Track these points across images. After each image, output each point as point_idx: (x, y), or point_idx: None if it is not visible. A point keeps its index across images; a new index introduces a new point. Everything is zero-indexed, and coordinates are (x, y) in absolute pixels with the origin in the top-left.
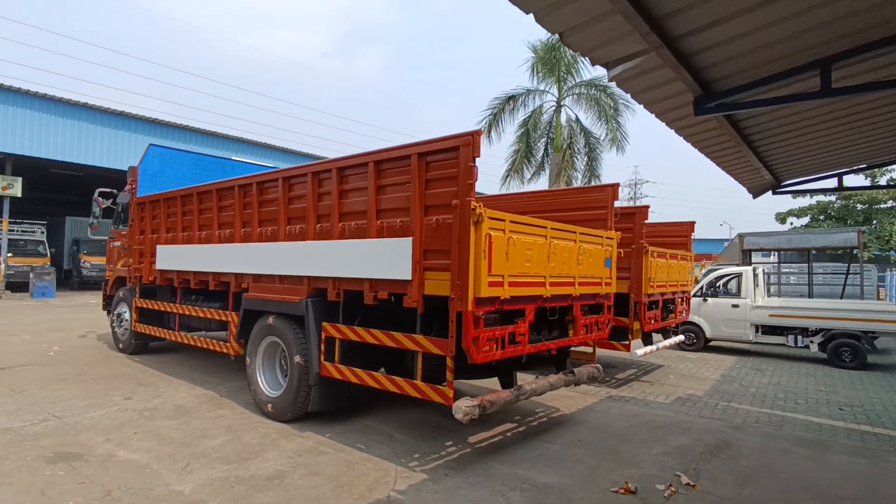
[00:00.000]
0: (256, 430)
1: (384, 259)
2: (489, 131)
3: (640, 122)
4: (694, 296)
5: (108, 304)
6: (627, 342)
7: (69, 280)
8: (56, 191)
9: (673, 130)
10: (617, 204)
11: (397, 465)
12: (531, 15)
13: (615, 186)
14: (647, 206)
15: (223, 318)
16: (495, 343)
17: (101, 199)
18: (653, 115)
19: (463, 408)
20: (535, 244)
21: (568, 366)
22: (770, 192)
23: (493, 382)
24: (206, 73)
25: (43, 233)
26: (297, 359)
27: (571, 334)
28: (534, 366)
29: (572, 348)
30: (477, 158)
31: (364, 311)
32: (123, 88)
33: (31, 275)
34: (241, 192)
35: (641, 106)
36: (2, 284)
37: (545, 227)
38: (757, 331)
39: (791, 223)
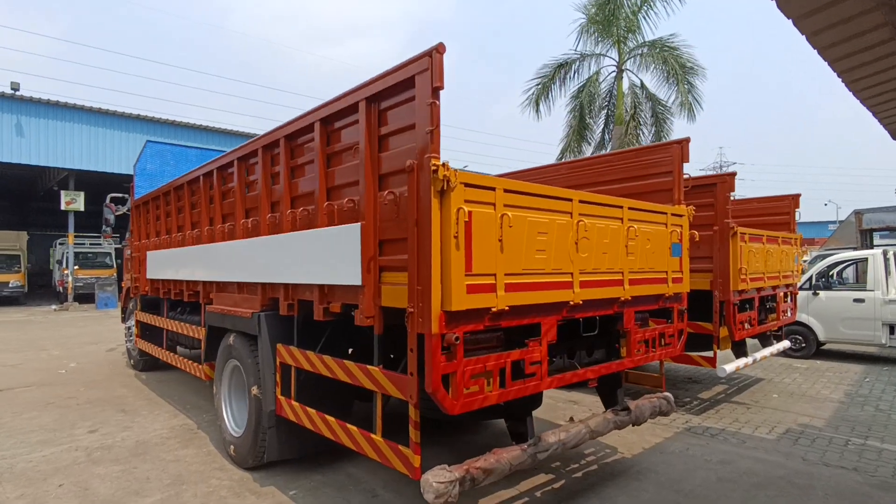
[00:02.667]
0: (207, 482)
1: (329, 255)
2: (537, 104)
3: (719, 96)
4: (801, 289)
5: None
6: (712, 355)
7: None
8: None
9: None
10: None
11: None
12: None
13: (684, 143)
14: (734, 174)
15: (196, 336)
16: (487, 380)
17: (112, 204)
18: None
19: (434, 484)
20: (552, 225)
21: (620, 400)
22: None
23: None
24: (283, 86)
25: (111, 244)
26: (255, 390)
27: (623, 355)
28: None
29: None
30: (440, 90)
31: (331, 330)
32: (212, 106)
33: (96, 286)
34: (205, 181)
35: None
36: (70, 296)
37: (570, 200)
38: (892, 332)
39: None
